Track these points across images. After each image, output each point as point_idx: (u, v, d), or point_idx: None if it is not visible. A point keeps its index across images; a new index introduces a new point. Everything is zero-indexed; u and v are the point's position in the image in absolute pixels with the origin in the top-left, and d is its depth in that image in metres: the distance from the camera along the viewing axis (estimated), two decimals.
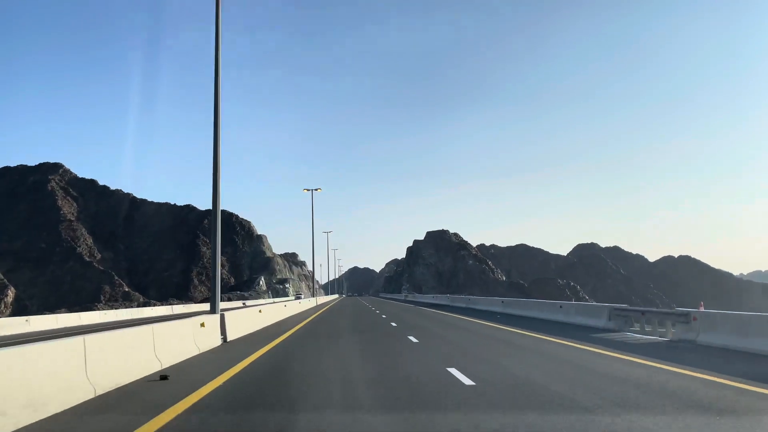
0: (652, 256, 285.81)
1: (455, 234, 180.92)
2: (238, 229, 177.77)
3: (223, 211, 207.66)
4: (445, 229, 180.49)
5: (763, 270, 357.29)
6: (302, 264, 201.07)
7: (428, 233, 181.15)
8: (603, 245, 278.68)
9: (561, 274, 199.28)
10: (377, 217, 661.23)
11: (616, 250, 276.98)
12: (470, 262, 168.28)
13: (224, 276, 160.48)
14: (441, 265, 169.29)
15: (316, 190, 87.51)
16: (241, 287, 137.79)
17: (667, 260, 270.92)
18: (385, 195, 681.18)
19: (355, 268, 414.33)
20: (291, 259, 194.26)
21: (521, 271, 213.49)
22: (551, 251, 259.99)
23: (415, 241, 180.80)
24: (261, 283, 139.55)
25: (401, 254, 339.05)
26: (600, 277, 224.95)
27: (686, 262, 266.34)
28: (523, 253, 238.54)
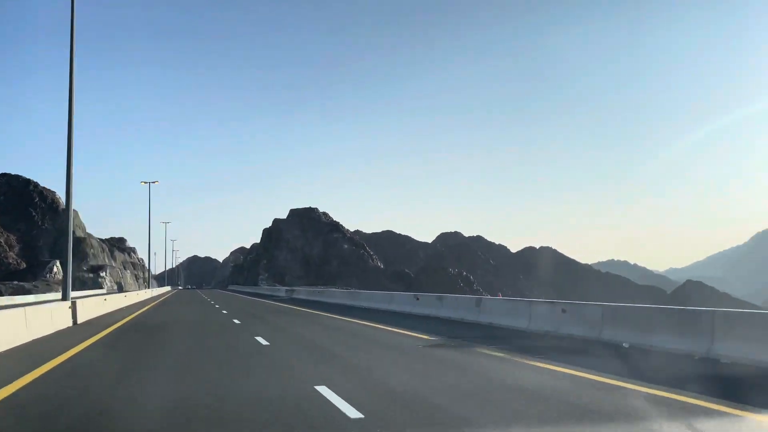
0: (513, 247, 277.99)
1: (324, 213, 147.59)
2: (37, 201, 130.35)
3: (17, 177, 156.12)
4: (313, 206, 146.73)
5: (615, 259, 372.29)
6: (131, 251, 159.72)
7: (293, 211, 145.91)
8: (466, 234, 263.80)
9: (430, 263, 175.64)
10: (220, 203, 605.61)
11: (479, 240, 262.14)
12: (345, 246, 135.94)
13: (12, 260, 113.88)
14: (309, 249, 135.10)
15: (153, 182, 77.47)
16: (27, 275, 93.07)
17: (529, 251, 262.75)
18: (230, 180, 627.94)
19: (195, 258, 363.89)
20: (116, 244, 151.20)
21: (389, 260, 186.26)
22: (417, 239, 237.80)
23: (276, 221, 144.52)
24: (55, 270, 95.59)
25: (251, 240, 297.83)
26: (470, 266, 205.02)
27: (547, 252, 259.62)
28: (390, 240, 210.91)
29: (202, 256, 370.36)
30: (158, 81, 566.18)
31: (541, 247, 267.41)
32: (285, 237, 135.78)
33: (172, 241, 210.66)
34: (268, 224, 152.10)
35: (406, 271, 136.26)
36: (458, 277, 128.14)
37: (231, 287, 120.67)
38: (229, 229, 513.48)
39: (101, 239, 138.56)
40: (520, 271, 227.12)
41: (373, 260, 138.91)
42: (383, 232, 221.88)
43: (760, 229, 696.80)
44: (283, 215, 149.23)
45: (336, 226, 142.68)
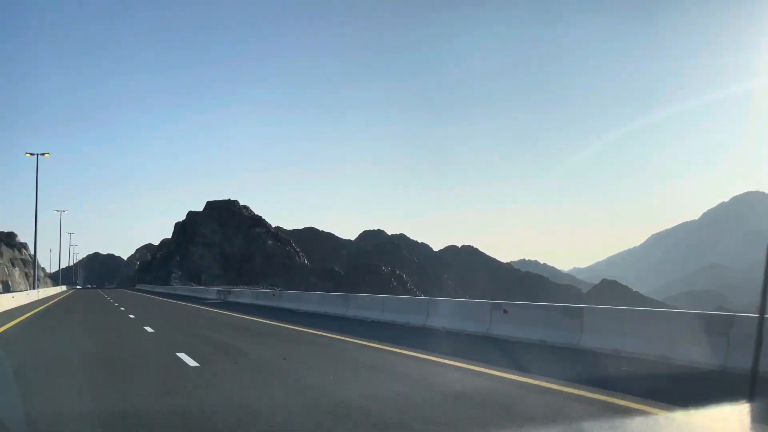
0: (436, 245, 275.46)
1: (245, 207, 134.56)
2: None
3: None
4: (233, 199, 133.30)
5: (527, 258, 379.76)
6: (21, 246, 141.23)
7: (210, 204, 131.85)
8: (390, 233, 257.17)
9: (356, 260, 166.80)
10: (125, 195, 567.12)
11: (402, 238, 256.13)
12: (269, 242, 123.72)
13: None
14: (228, 245, 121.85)
15: (42, 154, 65.77)
16: None
17: (451, 249, 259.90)
18: (136, 172, 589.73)
19: (96, 255, 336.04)
20: (4, 238, 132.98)
21: (313, 258, 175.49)
22: (340, 236, 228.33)
23: (191, 215, 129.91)
24: None
25: (160, 236, 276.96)
26: (396, 265, 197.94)
27: (468, 251, 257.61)
28: (312, 237, 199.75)
29: (104, 253, 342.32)
30: (69, 66, 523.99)
31: (463, 246, 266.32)
32: (201, 231, 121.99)
33: (70, 234, 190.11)
34: (181, 217, 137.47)
35: (336, 269, 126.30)
36: (392, 276, 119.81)
37: (139, 287, 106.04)
38: (134, 224, 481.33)
39: None
40: (444, 269, 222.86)
41: (299, 257, 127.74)
42: (305, 228, 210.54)
43: (655, 231, 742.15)
44: (199, 208, 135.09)
45: (258, 221, 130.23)
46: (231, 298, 37.63)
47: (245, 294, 37.32)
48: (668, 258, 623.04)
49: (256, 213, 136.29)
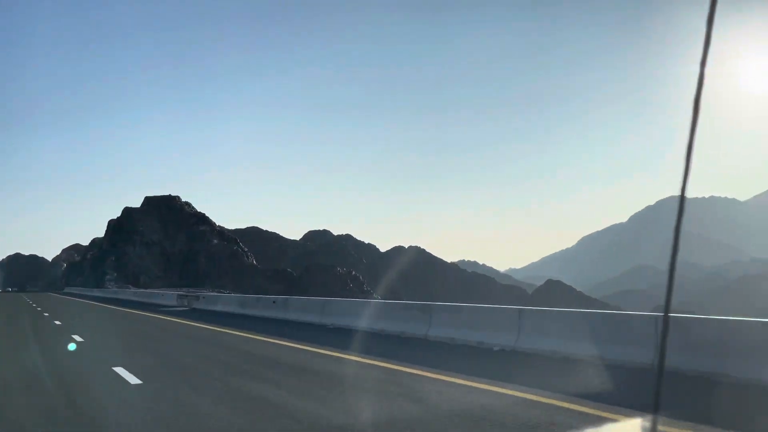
0: (383, 246, 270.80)
1: (187, 203, 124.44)
2: None
3: None
4: (174, 194, 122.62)
5: (466, 259, 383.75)
6: None
7: (148, 199, 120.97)
8: (336, 233, 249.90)
9: (303, 261, 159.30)
10: (49, 193, 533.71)
11: (349, 239, 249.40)
12: (215, 241, 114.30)
13: None
14: (170, 244, 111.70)
15: None
16: None
17: (398, 250, 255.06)
18: (62, 169, 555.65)
19: (18, 256, 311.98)
20: None
21: (259, 258, 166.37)
22: (286, 236, 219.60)
23: (127, 211, 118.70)
24: None
25: (90, 236, 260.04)
26: (345, 267, 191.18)
27: (416, 252, 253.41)
28: (256, 237, 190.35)
29: (26, 253, 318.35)
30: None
31: (410, 247, 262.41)
32: (139, 229, 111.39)
33: None
34: (116, 214, 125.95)
35: (288, 270, 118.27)
36: (347, 278, 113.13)
37: (69, 290, 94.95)
38: (60, 223, 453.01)
39: None
40: (392, 270, 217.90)
41: (248, 257, 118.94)
42: (249, 228, 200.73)
43: (586, 233, 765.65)
44: (136, 203, 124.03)
45: (203, 218, 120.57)
46: (200, 305, 29.88)
47: (224, 300, 29.52)
48: (599, 259, 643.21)
49: (199, 210, 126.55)
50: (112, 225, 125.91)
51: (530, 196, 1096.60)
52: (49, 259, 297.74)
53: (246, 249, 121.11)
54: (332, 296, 36.87)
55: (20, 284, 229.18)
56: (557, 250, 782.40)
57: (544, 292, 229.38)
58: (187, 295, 33.18)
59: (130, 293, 60.12)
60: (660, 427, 4.73)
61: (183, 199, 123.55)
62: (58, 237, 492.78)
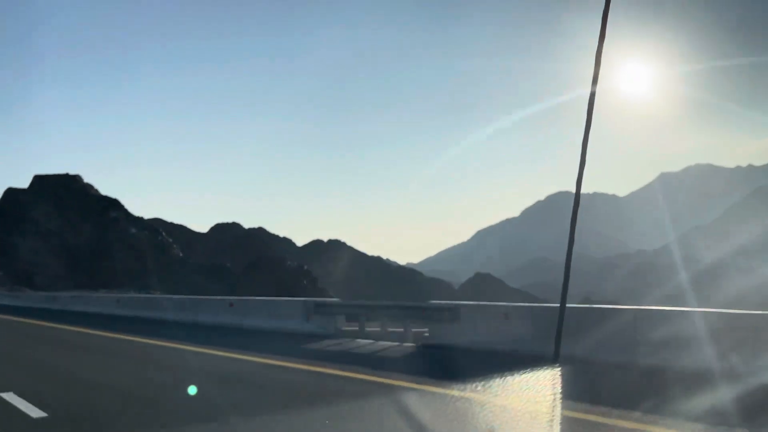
0: (300, 240, 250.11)
1: (89, 184, 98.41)
2: None
3: None
4: (72, 173, 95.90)
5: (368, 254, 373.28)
6: None
7: (38, 178, 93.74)
8: (246, 226, 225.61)
9: (211, 258, 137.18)
10: None
11: (261, 232, 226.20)
12: (132, 231, 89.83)
13: None
14: (73, 235, 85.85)
15: None
16: None
17: (317, 244, 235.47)
18: None
19: None
20: None
21: None
22: (192, 229, 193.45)
23: (11, 192, 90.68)
24: None
25: None
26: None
27: (337, 246, 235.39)
28: (161, 229, 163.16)
29: None
30: None
31: (330, 240, 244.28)
32: (29, 216, 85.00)
33: None
34: None
35: (228, 265, 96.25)
36: (300, 273, 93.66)
37: None
38: None
39: None
40: (310, 265, 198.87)
41: (175, 250, 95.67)
42: (152, 219, 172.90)
43: (480, 227, 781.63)
44: (23, 184, 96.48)
45: (113, 203, 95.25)
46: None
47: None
48: (497, 252, 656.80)
49: (100, 193, 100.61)
50: None
51: (423, 192, 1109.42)
52: None
53: (171, 240, 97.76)
54: (288, 295, 30.70)
55: None
56: (453, 244, 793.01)
57: (470, 285, 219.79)
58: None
59: (39, 298, 38.36)
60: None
61: (85, 180, 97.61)
62: None
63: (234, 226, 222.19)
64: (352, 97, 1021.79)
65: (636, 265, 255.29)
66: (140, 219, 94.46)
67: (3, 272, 75.06)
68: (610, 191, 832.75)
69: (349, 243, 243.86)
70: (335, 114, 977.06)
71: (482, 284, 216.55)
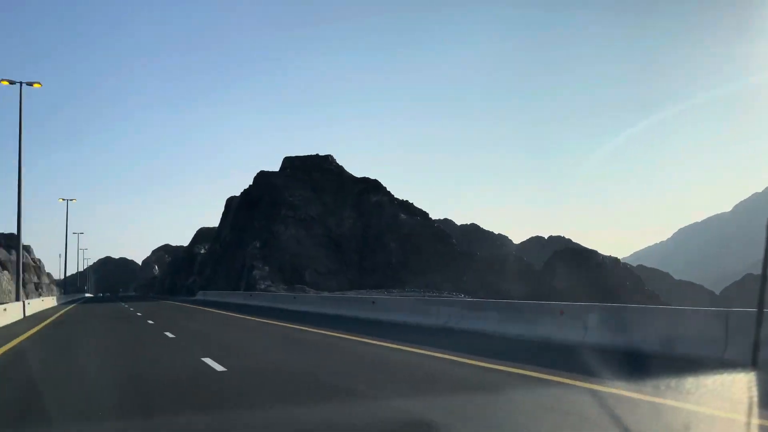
0: (515, 237, 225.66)
1: (340, 167, 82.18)
2: None
3: None
4: (325, 153, 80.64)
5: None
6: (24, 249, 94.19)
7: (288, 160, 79.30)
8: (458, 222, 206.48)
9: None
10: (139, 196, 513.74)
11: (474, 228, 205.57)
12: (403, 216, 71.35)
13: None
14: (335, 222, 69.31)
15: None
16: None
17: (534, 241, 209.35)
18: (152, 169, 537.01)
19: (108, 259, 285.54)
20: (3, 241, 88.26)
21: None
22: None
23: (263, 176, 77.30)
24: None
25: (183, 235, 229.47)
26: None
27: (558, 242, 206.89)
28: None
29: (116, 257, 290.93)
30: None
31: (551, 237, 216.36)
32: (286, 201, 69.85)
33: (83, 250, 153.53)
34: (232, 192, 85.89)
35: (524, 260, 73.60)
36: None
37: (204, 296, 54.06)
38: (148, 224, 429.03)
39: None
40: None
41: (453, 241, 75.47)
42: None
43: (682, 225, 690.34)
44: (273, 167, 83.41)
45: (374, 185, 77.12)
46: None
47: None
48: (696, 253, 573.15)
49: (347, 175, 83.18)
50: (234, 204, 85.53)
51: (619, 186, 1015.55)
52: (139, 261, 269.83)
53: (444, 229, 78.13)
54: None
55: (111, 289, 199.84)
56: (649, 244, 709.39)
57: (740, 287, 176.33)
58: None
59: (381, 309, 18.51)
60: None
61: (337, 160, 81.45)
62: (147, 238, 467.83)
63: (446, 222, 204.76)
64: (544, 94, 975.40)
65: None
66: (407, 203, 75.98)
67: (269, 267, 59.42)
68: None
69: (566, 236, 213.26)
70: (536, 114, 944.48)
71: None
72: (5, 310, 20.96)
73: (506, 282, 65.70)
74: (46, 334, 17.69)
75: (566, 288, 62.05)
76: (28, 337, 16.02)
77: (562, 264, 73.57)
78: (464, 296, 48.03)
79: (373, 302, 20.18)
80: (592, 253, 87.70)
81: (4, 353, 12.39)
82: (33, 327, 20.06)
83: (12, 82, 28.44)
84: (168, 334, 15.55)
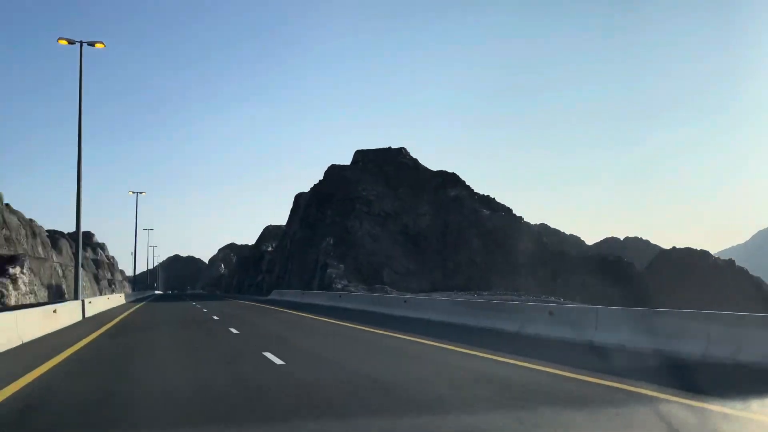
0: (588, 238, 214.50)
1: (414, 159, 76.95)
2: None
3: None
4: (399, 146, 75.64)
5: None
6: (98, 246, 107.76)
7: (360, 153, 74.82)
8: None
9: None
10: (206, 195, 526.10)
11: (543, 228, 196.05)
12: (486, 211, 65.13)
13: None
14: (411, 217, 64.05)
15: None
16: None
17: (609, 242, 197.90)
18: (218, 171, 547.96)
19: (176, 257, 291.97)
20: (77, 238, 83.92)
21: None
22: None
23: (334, 170, 73.17)
24: None
25: (250, 232, 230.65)
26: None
27: (637, 244, 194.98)
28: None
29: (184, 255, 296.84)
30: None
31: (627, 238, 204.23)
32: (359, 195, 65.23)
33: (152, 247, 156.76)
34: (300, 188, 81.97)
35: (625, 260, 65.97)
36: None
37: (278, 295, 49.92)
38: (215, 222, 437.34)
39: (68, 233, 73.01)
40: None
41: (544, 240, 68.76)
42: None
43: (763, 226, 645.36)
44: (345, 160, 79.06)
45: (452, 178, 71.56)
46: None
47: None
48: None
49: (424, 168, 77.52)
50: (306, 197, 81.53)
51: (692, 185, 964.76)
52: (206, 260, 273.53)
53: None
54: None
55: (180, 286, 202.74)
56: (725, 246, 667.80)
57: None
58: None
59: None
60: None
61: (410, 152, 76.21)
62: (213, 237, 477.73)
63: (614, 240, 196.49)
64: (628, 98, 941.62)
65: None
66: (489, 198, 69.85)
67: (344, 265, 54.62)
68: None
69: (643, 237, 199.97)
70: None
71: None
72: (55, 311, 16.58)
73: (600, 284, 58.59)
74: (101, 346, 13.07)
75: (674, 291, 54.51)
76: (70, 355, 11.29)
77: (669, 265, 65.46)
78: (563, 301, 41.76)
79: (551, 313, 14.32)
80: (704, 254, 78.81)
81: (24, 388, 7.60)
82: (88, 335, 15.59)
83: (72, 42, 24.77)
84: (269, 356, 10.29)
